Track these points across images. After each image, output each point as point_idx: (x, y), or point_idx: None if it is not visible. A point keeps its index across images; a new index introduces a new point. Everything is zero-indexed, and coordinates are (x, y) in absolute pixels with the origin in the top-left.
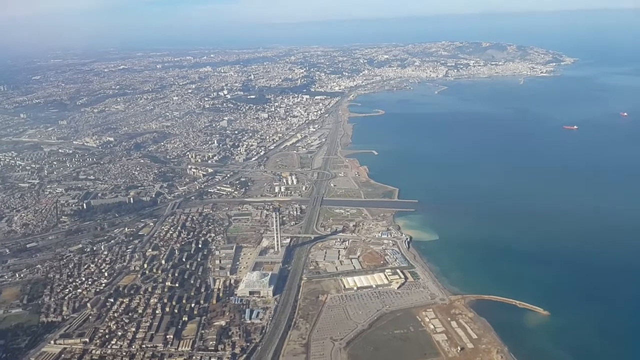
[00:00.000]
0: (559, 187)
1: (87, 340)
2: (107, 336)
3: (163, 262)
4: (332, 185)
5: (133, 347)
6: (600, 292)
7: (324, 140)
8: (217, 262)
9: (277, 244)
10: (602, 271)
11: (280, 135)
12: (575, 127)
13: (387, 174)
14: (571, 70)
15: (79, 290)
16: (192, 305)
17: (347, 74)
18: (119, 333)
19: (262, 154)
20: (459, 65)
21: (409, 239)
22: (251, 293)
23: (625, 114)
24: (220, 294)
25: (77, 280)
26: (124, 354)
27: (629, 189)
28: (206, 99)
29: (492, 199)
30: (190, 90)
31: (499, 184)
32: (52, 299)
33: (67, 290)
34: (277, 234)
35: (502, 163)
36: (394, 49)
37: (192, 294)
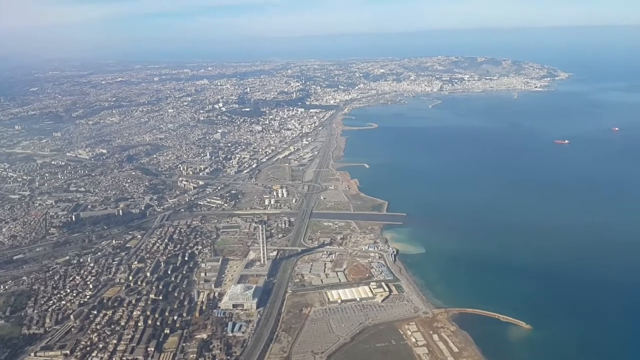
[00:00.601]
0: (547, 201)
1: (67, 352)
2: (88, 348)
3: (148, 274)
4: (322, 198)
5: (113, 359)
6: (585, 307)
7: (316, 153)
8: (203, 274)
9: (263, 257)
10: (589, 286)
11: (273, 148)
12: (566, 141)
13: (378, 187)
14: (565, 85)
15: (63, 302)
16: (175, 318)
17: (342, 87)
18: (100, 345)
19: (254, 166)
20: (453, 80)
21: (395, 252)
22: (235, 306)
23: (617, 129)
24: (204, 307)
25: (61, 292)
26: None
27: (617, 203)
28: (201, 111)
29: (481, 213)
30: (185, 103)
31: (488, 198)
32: (36, 311)
33: (51, 302)
34: (263, 246)
35: (492, 177)
36: (390, 63)
37: (176, 306)
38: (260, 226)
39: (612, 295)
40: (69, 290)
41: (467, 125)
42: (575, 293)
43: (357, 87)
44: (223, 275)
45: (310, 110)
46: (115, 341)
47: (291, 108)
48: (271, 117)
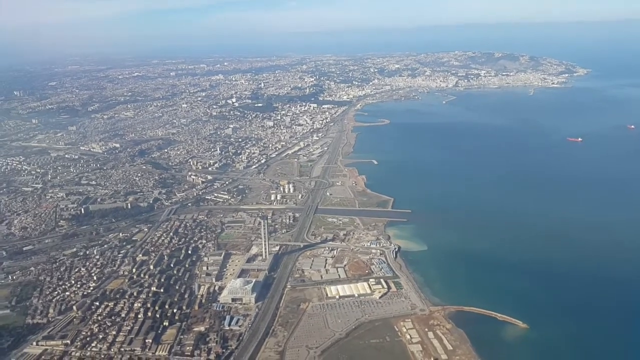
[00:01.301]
0: (555, 199)
1: (68, 342)
2: (88, 339)
3: (151, 267)
4: (328, 194)
5: (112, 350)
6: (584, 307)
7: (326, 149)
8: (205, 268)
9: (265, 252)
10: (591, 286)
11: (283, 143)
12: (579, 139)
13: (385, 184)
14: (583, 81)
15: (67, 293)
16: (174, 310)
17: (357, 83)
18: (100, 336)
19: (263, 161)
20: (469, 76)
21: (396, 249)
22: (234, 300)
23: (633, 126)
24: (203, 300)
25: (66, 283)
26: (103, 356)
27: (624, 202)
28: (214, 106)
29: (487, 211)
30: (199, 98)
31: (495, 196)
32: (40, 301)
33: (56, 292)
34: (265, 241)
35: (501, 174)
36: (405, 59)
37: (176, 299)
38: (262, 221)
39: (611, 295)
40: (73, 282)
41: (479, 122)
42: (576, 293)
43: (371, 83)
44: (225, 269)
45: (323, 106)
46: (114, 332)
47: (304, 103)
48: (283, 112)
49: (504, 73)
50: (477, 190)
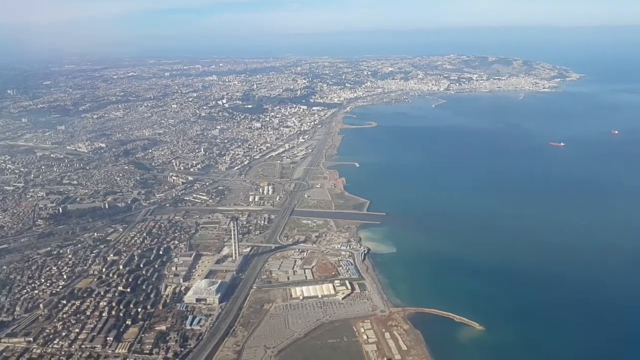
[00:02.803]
0: (528, 203)
1: (31, 339)
2: (51, 336)
3: (121, 267)
4: (306, 196)
5: (73, 347)
6: (543, 309)
7: (310, 151)
8: (174, 269)
9: (235, 253)
10: (551, 288)
11: (269, 145)
12: (562, 143)
13: (364, 186)
14: (575, 86)
15: (36, 292)
16: (138, 310)
17: (349, 85)
18: (63, 333)
19: (245, 163)
20: (461, 79)
21: (365, 251)
22: (198, 300)
23: (616, 132)
24: (168, 300)
25: (36, 281)
26: (63, 353)
27: (594, 205)
28: (204, 107)
29: (460, 214)
30: (190, 99)
31: (470, 199)
32: (8, 299)
33: (25, 291)
34: (235, 242)
35: (480, 178)
36: (400, 62)
37: (141, 299)
38: (232, 222)
39: (574, 299)
40: (43, 280)
41: (465, 126)
42: (537, 296)
43: (363, 85)
44: (193, 270)
45: (313, 108)
46: (77, 330)
47: (294, 105)
48: (272, 114)
49: (496, 77)
50: (453, 193)
